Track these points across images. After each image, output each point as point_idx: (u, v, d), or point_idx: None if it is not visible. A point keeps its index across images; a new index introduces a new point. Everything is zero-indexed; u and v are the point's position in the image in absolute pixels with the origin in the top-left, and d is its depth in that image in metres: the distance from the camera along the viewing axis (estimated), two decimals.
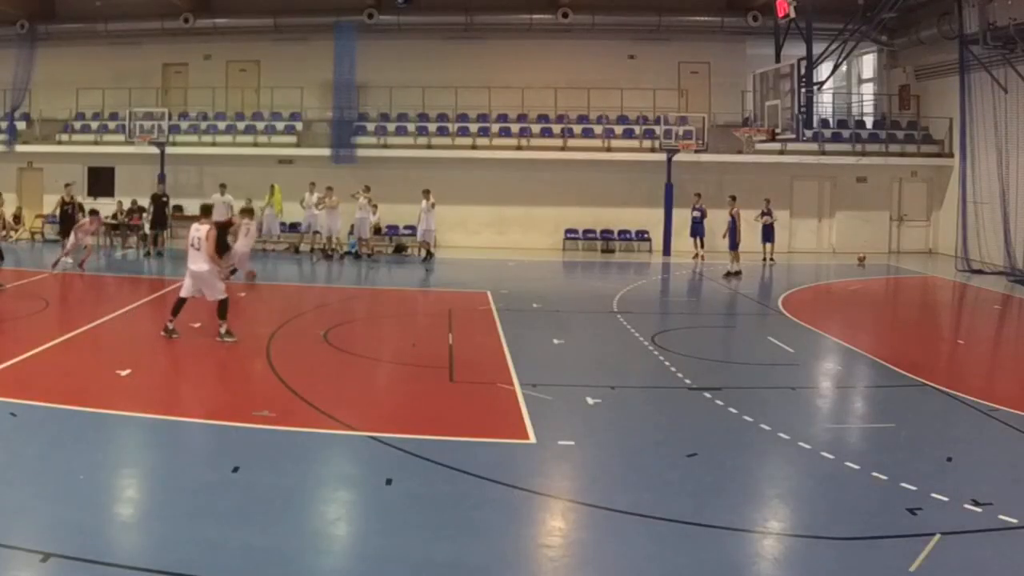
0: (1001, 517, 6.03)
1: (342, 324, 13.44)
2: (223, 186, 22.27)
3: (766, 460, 7.58)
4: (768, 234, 22.56)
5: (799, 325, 13.89)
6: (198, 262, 11.47)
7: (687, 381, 9.96)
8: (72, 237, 18.32)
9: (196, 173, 24.83)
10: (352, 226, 22.99)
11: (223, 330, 11.46)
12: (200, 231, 11.55)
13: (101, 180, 26.03)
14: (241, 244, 16.57)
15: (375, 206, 22.68)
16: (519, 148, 25.01)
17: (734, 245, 20.26)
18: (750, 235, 22.44)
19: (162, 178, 24.51)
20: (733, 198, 20.72)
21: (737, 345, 12.56)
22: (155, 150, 24.18)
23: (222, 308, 11.53)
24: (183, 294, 11.60)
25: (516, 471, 6.94)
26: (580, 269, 22.83)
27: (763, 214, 22.43)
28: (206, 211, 12.13)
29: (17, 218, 25.04)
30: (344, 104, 25.06)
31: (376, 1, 25.05)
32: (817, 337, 13.01)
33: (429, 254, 22.43)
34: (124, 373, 9.60)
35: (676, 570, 5.41)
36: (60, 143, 25.67)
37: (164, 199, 22.55)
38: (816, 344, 12.59)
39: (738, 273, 19.73)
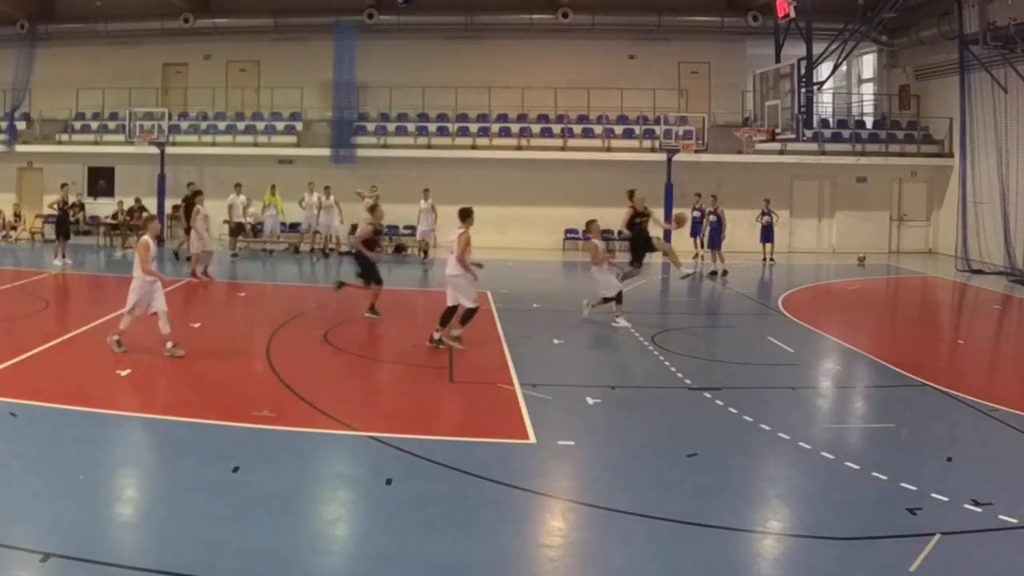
0: (1001, 517, 6.03)
1: (342, 324, 13.44)
2: (238, 186, 22.27)
3: (766, 460, 7.58)
4: (767, 234, 22.57)
5: (799, 325, 13.89)
6: (450, 267, 11.48)
7: (687, 381, 9.96)
8: (194, 235, 17.21)
9: (196, 173, 24.77)
10: (354, 226, 23.00)
11: (455, 333, 11.39)
12: (453, 235, 11.59)
13: (101, 180, 26.06)
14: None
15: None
16: (519, 148, 25.01)
17: (717, 244, 20.32)
18: (751, 235, 22.49)
19: (162, 179, 24.53)
20: (714, 197, 20.85)
21: (737, 345, 12.56)
22: (155, 150, 24.19)
23: (465, 315, 11.40)
24: (449, 303, 11.47)
25: (516, 471, 6.94)
26: (580, 269, 22.79)
27: (763, 214, 22.45)
28: (464, 215, 11.75)
29: (17, 217, 25.09)
30: (344, 104, 25.07)
31: (376, 1, 25.05)
32: (817, 337, 13.01)
33: (424, 254, 22.46)
34: (124, 373, 9.60)
35: (676, 570, 5.41)
36: (60, 143, 25.68)
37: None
38: (816, 344, 12.59)
39: (725, 273, 19.72)
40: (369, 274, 13.48)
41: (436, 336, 11.35)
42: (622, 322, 13.10)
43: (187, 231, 21.27)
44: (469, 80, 25.27)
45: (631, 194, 13.83)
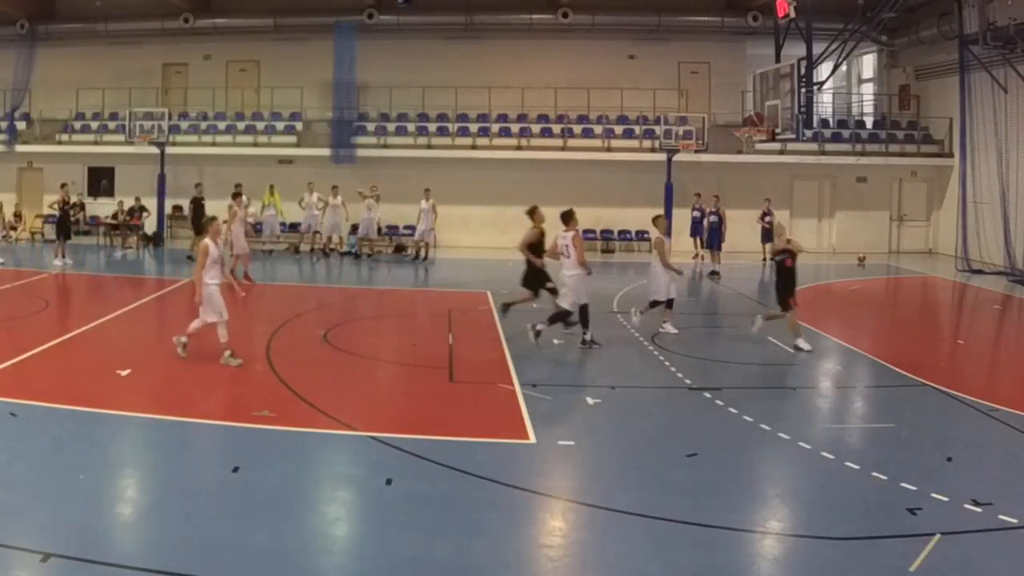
0: (1001, 517, 6.03)
1: (342, 324, 13.45)
2: (239, 186, 22.23)
3: (766, 460, 7.58)
4: (769, 234, 22.57)
5: (799, 325, 13.87)
6: (568, 268, 11.44)
7: (687, 381, 9.96)
8: (236, 237, 16.27)
9: (196, 173, 24.80)
10: (354, 226, 23.03)
11: (538, 327, 11.35)
12: (566, 238, 11.47)
13: (104, 180, 26.08)
14: None
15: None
16: (519, 148, 25.01)
17: (718, 245, 20.32)
18: (752, 235, 22.49)
19: (162, 179, 24.52)
20: (716, 197, 20.85)
21: (737, 345, 12.55)
22: (155, 150, 24.18)
23: (557, 315, 11.44)
24: (579, 302, 11.51)
25: (516, 471, 6.94)
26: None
27: (764, 215, 22.46)
28: (568, 218, 11.63)
29: (18, 216, 25.08)
30: (344, 104, 25.07)
31: (376, 1, 25.06)
32: (817, 337, 12.98)
33: (418, 254, 22.47)
34: (124, 373, 9.61)
35: (676, 570, 5.41)
36: (60, 143, 25.68)
37: (203, 201, 21.51)
38: (816, 344, 12.56)
39: (714, 273, 19.68)
40: (533, 282, 12.26)
41: (587, 337, 11.49)
42: (670, 327, 12.66)
43: (199, 233, 21.13)
44: (469, 80, 25.27)
45: (779, 230, 12.70)
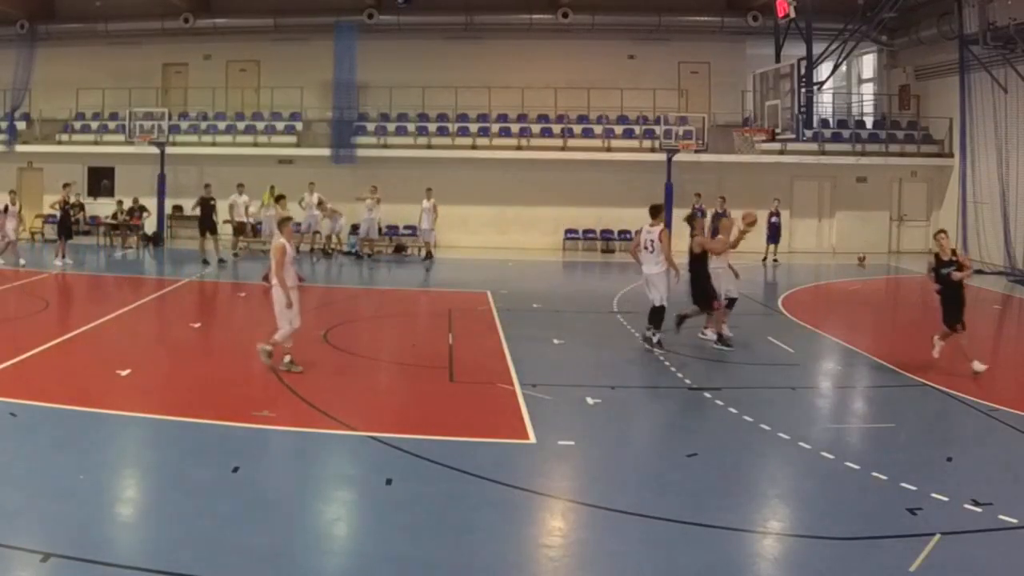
0: (1001, 517, 6.03)
1: (342, 324, 13.44)
2: (241, 186, 22.19)
3: (766, 460, 7.57)
4: (774, 234, 22.58)
5: (799, 325, 13.89)
6: (650, 264, 11.35)
7: (687, 381, 9.96)
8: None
9: (196, 173, 24.79)
10: (353, 226, 23.02)
11: (654, 338, 11.27)
12: (652, 233, 11.36)
13: (105, 180, 26.08)
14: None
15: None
16: (519, 148, 25.01)
17: None
18: (752, 235, 22.44)
19: (162, 179, 24.52)
20: (722, 198, 20.80)
21: (737, 345, 12.55)
22: (155, 150, 24.18)
23: (654, 315, 11.34)
24: (655, 303, 11.43)
25: (516, 471, 6.94)
26: (580, 269, 22.82)
27: (772, 214, 22.47)
28: (655, 212, 11.55)
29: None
30: (344, 104, 25.07)
31: (376, 1, 25.06)
32: (817, 337, 13.01)
33: (429, 254, 22.49)
34: (124, 373, 9.60)
35: (676, 570, 5.41)
36: (60, 143, 25.69)
37: (212, 202, 20.74)
38: (816, 344, 12.59)
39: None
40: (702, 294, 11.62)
41: (654, 339, 11.29)
42: (710, 334, 12.16)
43: (203, 233, 21.06)
44: (469, 80, 25.27)
45: (936, 236, 10.74)
